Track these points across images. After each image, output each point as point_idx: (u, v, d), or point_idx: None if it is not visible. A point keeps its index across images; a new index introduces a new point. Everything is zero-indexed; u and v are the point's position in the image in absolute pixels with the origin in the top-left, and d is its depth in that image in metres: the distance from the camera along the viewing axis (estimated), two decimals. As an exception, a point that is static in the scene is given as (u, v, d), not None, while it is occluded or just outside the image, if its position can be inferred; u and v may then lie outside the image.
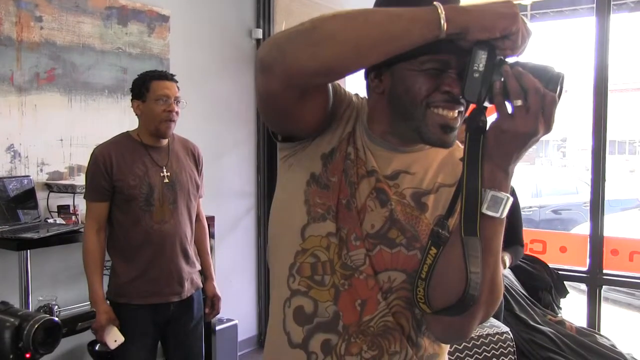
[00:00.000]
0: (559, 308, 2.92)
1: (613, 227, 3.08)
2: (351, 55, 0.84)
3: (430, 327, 1.00)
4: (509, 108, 0.82)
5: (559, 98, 0.80)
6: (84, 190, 2.37)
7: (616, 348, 2.39)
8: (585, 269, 3.00)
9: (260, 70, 0.89)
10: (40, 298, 2.67)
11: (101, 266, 2.28)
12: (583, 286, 3.02)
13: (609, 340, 2.45)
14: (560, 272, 3.03)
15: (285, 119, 0.98)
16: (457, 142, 1.03)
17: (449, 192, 0.99)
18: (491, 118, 0.85)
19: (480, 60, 0.82)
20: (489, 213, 0.85)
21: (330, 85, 0.99)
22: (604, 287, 3.03)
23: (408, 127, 0.97)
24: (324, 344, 0.99)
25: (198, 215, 2.54)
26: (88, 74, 3.07)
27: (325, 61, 0.84)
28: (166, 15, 3.46)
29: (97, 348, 2.81)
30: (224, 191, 3.94)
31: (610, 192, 2.95)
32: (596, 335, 2.46)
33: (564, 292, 2.95)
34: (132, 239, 2.27)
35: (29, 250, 2.57)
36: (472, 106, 0.90)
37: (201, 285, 2.50)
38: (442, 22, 0.80)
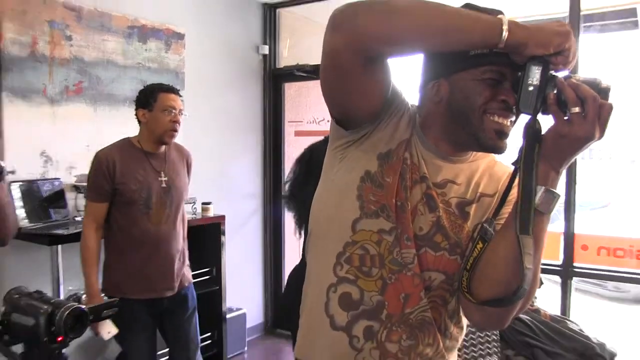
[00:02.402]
0: (535, 298, 2.92)
1: (583, 225, 3.09)
2: (419, 33, 0.84)
3: (469, 315, 0.99)
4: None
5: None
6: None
7: (583, 332, 2.42)
8: (559, 262, 3.00)
9: (330, 27, 0.87)
10: (70, 288, 2.69)
11: (97, 262, 2.22)
12: (557, 278, 3.03)
13: (577, 325, 2.47)
14: (536, 266, 3.01)
15: (344, 85, 0.93)
16: (494, 156, 1.04)
17: (489, 201, 1.00)
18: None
19: (534, 74, 0.83)
20: (541, 209, 0.85)
21: (391, 77, 0.97)
22: (574, 278, 3.05)
23: (465, 132, 0.95)
24: (366, 330, 0.98)
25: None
26: (112, 86, 3.09)
27: (394, 30, 0.83)
28: (182, 33, 3.47)
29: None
30: (233, 193, 3.95)
31: (581, 194, 2.97)
32: (567, 321, 2.47)
33: (539, 284, 2.95)
34: (129, 239, 2.23)
35: (59, 245, 2.59)
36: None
37: (192, 280, 2.45)
38: (504, 32, 0.81)
